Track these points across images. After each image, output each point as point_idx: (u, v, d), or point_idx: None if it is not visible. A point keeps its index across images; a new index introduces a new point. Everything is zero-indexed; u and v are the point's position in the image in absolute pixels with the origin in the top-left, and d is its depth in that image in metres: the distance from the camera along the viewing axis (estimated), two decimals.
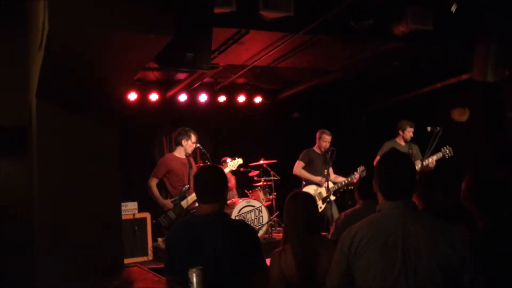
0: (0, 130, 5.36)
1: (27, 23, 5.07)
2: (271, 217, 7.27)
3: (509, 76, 5.72)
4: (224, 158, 7.77)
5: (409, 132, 6.50)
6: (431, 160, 6.25)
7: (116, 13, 3.03)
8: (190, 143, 5.75)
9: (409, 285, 1.93)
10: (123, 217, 5.74)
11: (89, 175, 4.20)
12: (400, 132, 6.54)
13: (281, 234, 3.28)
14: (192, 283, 2.20)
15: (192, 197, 5.56)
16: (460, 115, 7.70)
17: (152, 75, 7.83)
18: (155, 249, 6.96)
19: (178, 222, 3.02)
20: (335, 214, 6.20)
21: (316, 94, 8.60)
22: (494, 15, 5.41)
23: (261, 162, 7.64)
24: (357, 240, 2.05)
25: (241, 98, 9.08)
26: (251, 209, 7.04)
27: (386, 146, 6.46)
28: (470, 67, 5.74)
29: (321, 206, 6.36)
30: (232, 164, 6.36)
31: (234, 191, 7.83)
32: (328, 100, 9.05)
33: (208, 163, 5.80)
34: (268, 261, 2.75)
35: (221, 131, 8.86)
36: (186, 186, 5.67)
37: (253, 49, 5.92)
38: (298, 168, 6.47)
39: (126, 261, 5.57)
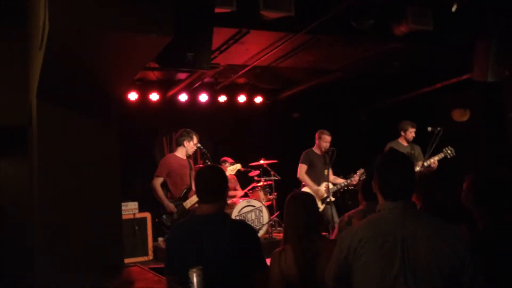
0: (0, 130, 5.37)
1: (27, 23, 5.07)
2: (272, 217, 7.27)
3: (509, 76, 5.71)
4: (223, 158, 7.78)
5: (411, 133, 6.49)
6: (433, 161, 6.25)
7: (116, 13, 3.03)
8: (191, 144, 5.78)
9: (408, 285, 1.93)
10: (123, 217, 5.73)
11: (89, 175, 4.21)
12: (402, 133, 6.54)
13: (281, 234, 3.28)
14: (192, 283, 2.20)
15: (194, 198, 5.57)
16: (460, 116, 7.69)
17: (153, 75, 7.83)
18: (156, 249, 6.96)
19: (179, 222, 3.03)
20: (335, 214, 6.19)
21: (316, 94, 8.60)
22: (494, 15, 5.41)
23: (261, 162, 7.65)
24: (357, 240, 2.05)
25: (242, 98, 9.08)
26: (252, 209, 7.05)
27: (389, 148, 6.45)
28: (470, 67, 5.73)
29: (320, 206, 6.35)
30: (230, 168, 6.41)
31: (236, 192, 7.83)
32: (328, 100, 9.04)
33: (209, 163, 5.80)
34: (268, 261, 2.75)
35: (221, 131, 8.86)
36: (188, 187, 5.68)
37: (254, 49, 5.92)
38: (302, 172, 6.44)
39: (127, 261, 5.56)
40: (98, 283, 3.84)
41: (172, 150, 8.51)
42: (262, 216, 7.09)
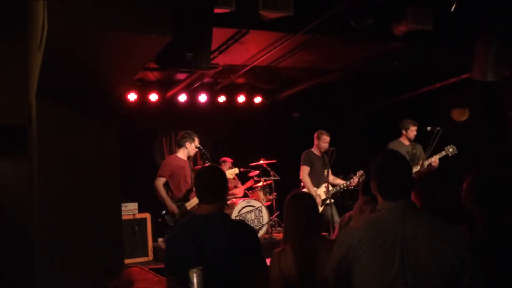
0: (0, 130, 5.37)
1: (27, 23, 5.07)
2: (271, 217, 7.27)
3: (509, 75, 5.71)
4: (223, 158, 7.78)
5: (412, 131, 6.48)
6: (434, 159, 6.24)
7: (116, 13, 3.03)
8: (193, 146, 5.85)
9: (407, 285, 1.93)
10: (123, 218, 5.73)
11: (89, 175, 4.20)
12: (404, 132, 6.52)
13: (281, 234, 3.28)
14: (192, 283, 2.20)
15: (195, 200, 5.57)
16: (460, 115, 7.69)
17: (152, 75, 7.83)
18: (155, 249, 6.96)
19: (179, 223, 3.03)
20: (335, 214, 6.18)
21: (316, 94, 8.59)
22: (494, 15, 5.41)
23: (261, 162, 7.64)
24: (357, 239, 2.05)
25: (241, 98, 9.08)
26: (251, 209, 7.05)
27: (390, 147, 6.46)
28: (470, 67, 5.73)
29: (319, 208, 6.35)
30: (229, 172, 6.45)
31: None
32: (328, 100, 9.04)
33: (208, 163, 5.82)
34: (268, 261, 2.75)
35: (221, 131, 8.86)
36: (190, 188, 5.70)
37: (253, 49, 5.93)
38: (305, 174, 6.40)
39: (126, 261, 5.56)
40: (98, 283, 3.83)
41: (171, 150, 8.52)
42: (261, 216, 7.09)
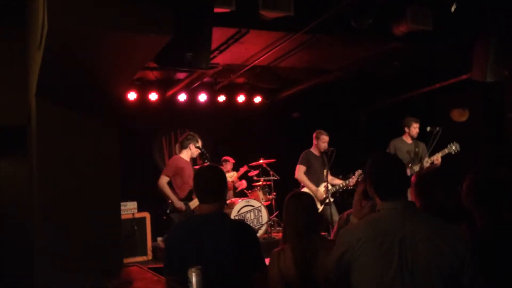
0: (0, 130, 5.37)
1: (27, 23, 5.07)
2: (271, 217, 7.27)
3: (509, 76, 5.71)
4: (224, 158, 7.78)
5: (415, 128, 6.47)
6: (437, 157, 6.23)
7: (116, 13, 3.03)
8: (196, 148, 5.85)
9: (406, 285, 1.93)
10: (123, 217, 5.73)
11: (89, 175, 4.21)
12: (406, 129, 6.51)
13: (280, 234, 3.27)
14: (191, 282, 2.20)
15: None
16: (460, 116, 7.69)
17: (152, 75, 7.83)
18: (155, 248, 6.95)
19: (178, 222, 3.03)
20: (334, 213, 6.17)
21: (316, 94, 8.59)
22: (494, 15, 5.41)
23: (261, 161, 7.65)
24: (356, 239, 2.05)
25: (241, 98, 9.07)
26: (251, 209, 7.05)
27: (393, 145, 6.45)
28: (470, 67, 5.73)
29: (319, 208, 6.34)
30: (228, 175, 6.48)
31: (231, 193, 7.83)
32: (328, 100, 9.04)
33: (208, 162, 5.82)
34: (267, 260, 2.75)
35: (220, 130, 8.86)
36: (192, 188, 5.71)
37: (253, 49, 5.93)
38: (300, 173, 6.39)
39: (126, 260, 5.57)
40: (98, 283, 3.83)
41: (171, 150, 8.54)
42: (261, 216, 7.09)
